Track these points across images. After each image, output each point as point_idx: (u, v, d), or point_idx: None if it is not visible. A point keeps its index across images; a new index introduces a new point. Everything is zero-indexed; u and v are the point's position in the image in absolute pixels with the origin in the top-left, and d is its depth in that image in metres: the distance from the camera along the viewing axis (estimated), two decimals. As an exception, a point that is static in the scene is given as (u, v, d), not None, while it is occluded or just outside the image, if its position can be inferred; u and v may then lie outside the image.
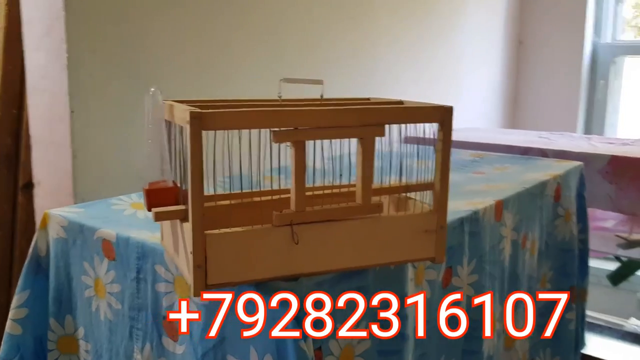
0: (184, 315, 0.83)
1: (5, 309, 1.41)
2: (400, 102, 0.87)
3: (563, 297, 1.49)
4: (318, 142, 0.76)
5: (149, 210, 0.77)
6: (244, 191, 0.77)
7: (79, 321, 1.00)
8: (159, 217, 0.74)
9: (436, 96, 2.41)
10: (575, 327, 1.55)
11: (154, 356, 0.88)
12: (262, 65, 1.59)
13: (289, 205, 0.74)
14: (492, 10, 2.84)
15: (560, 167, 1.55)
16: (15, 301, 1.01)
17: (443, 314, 1.04)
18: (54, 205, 1.28)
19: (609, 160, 1.78)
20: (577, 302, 1.57)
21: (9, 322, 1.01)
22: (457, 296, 1.05)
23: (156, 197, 0.76)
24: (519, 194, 1.27)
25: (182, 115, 0.70)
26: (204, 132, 0.66)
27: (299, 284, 0.73)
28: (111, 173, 1.30)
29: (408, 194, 0.88)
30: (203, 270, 0.69)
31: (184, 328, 0.83)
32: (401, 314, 0.88)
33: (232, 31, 1.52)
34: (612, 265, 2.18)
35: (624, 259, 2.09)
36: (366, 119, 0.73)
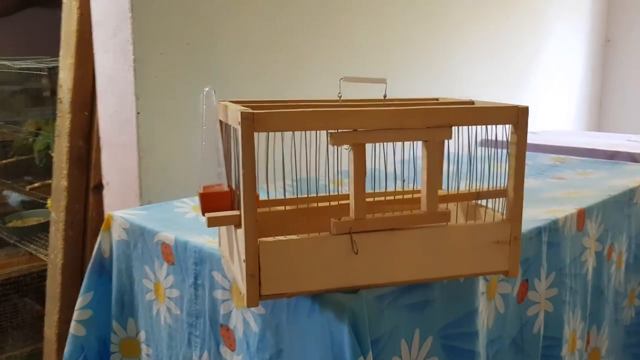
0: (240, 325, 0.80)
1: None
2: (471, 103, 0.81)
3: (654, 315, 1.37)
4: (381, 144, 0.71)
5: (204, 214, 0.75)
6: (300, 196, 0.73)
7: (141, 324, 0.99)
8: (211, 223, 0.71)
9: (514, 98, 2.29)
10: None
11: (211, 364, 0.86)
12: (327, 66, 1.56)
13: (348, 212, 0.69)
14: (577, 7, 2.68)
15: (651, 173, 1.43)
16: (79, 302, 1.01)
17: (518, 330, 0.96)
18: (121, 206, 1.29)
19: None
20: (670, 320, 1.44)
21: (73, 324, 1.01)
22: (534, 311, 0.97)
23: (210, 201, 0.74)
24: (604, 201, 1.17)
25: (234, 115, 0.66)
26: (268, 134, 0.63)
27: (359, 296, 0.69)
28: (176, 175, 1.30)
29: (479, 202, 0.82)
30: (256, 279, 0.65)
31: (240, 337, 0.80)
32: (471, 330, 0.82)
33: (298, 31, 1.49)
34: None
35: None
36: (431, 120, 0.68)
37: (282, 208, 0.76)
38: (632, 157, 1.73)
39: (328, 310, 0.68)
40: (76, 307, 1.02)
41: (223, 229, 0.79)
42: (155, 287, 0.95)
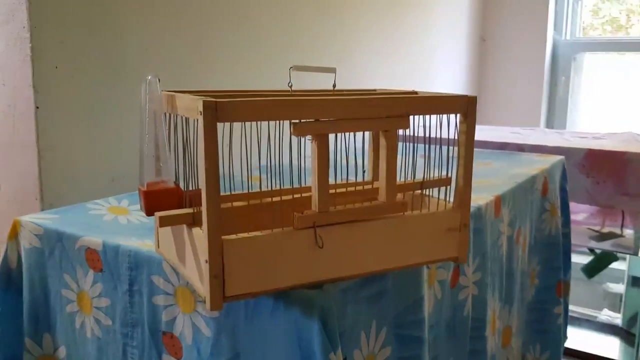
0: (187, 331, 0.75)
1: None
2: (415, 93, 0.81)
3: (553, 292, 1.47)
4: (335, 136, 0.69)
5: (148, 214, 0.69)
6: (253, 191, 0.69)
7: (60, 340, 0.90)
8: (164, 222, 0.65)
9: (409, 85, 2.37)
10: (562, 321, 1.54)
11: (152, 376, 0.80)
12: (239, 55, 1.51)
13: (308, 206, 0.67)
14: (457, 7, 2.83)
15: (544, 161, 1.53)
16: (-17, 320, 0.90)
17: (452, 314, 0.99)
18: (18, 211, 1.17)
19: (585, 154, 1.78)
20: (563, 296, 1.56)
21: (-23, 344, 0.90)
22: (464, 295, 1.01)
23: (156, 199, 0.68)
24: (513, 189, 1.23)
25: (190, 105, 0.62)
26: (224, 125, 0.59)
27: (324, 291, 0.67)
28: (82, 175, 1.20)
29: (424, 191, 0.83)
30: (220, 280, 0.61)
31: (188, 344, 0.75)
32: (419, 317, 0.83)
33: (212, 23, 1.43)
34: (583, 258, 2.19)
35: (597, 251, 2.10)
36: (391, 110, 0.67)
37: (244, 203, 0.72)
38: (520, 148, 1.86)
39: (294, 308, 0.65)
40: (-20, 326, 0.91)
41: (165, 229, 0.74)
42: (79, 297, 0.87)
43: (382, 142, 0.69)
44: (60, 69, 1.14)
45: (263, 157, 0.64)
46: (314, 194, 0.65)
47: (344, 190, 0.77)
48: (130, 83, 1.25)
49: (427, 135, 0.72)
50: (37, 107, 1.12)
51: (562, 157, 1.61)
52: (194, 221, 0.67)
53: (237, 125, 0.61)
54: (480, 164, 1.55)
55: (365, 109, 0.66)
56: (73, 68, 1.16)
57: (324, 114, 0.63)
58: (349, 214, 0.67)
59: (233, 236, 0.62)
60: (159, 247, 0.77)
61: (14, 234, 0.93)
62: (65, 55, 1.14)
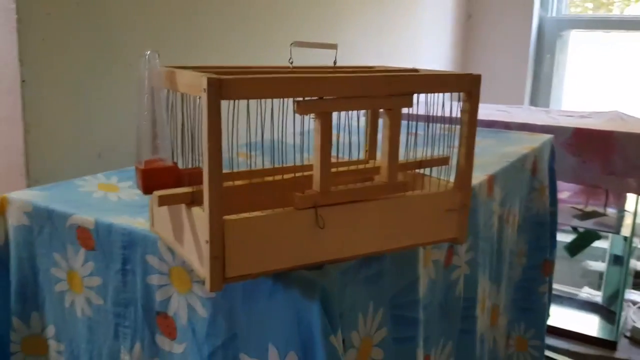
0: (182, 311, 0.74)
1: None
2: (416, 71, 0.80)
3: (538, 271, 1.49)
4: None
5: (146, 193, 0.67)
6: (254, 169, 0.68)
7: (49, 319, 0.89)
8: (163, 202, 0.64)
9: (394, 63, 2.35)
10: (547, 300, 1.56)
11: (145, 356, 0.79)
12: (230, 28, 1.48)
13: (309, 185, 0.66)
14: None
15: (533, 140, 1.54)
16: (-30, 299, 0.88)
17: (444, 294, 0.99)
18: (2, 188, 1.14)
19: (572, 132, 1.79)
20: (548, 274, 1.58)
21: (-36, 324, 0.88)
22: (457, 275, 1.01)
23: (155, 178, 0.66)
24: (504, 168, 1.23)
25: (192, 82, 0.60)
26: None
27: (324, 272, 0.66)
28: (69, 151, 1.17)
29: (422, 170, 0.82)
30: (221, 261, 0.60)
31: (182, 324, 0.74)
32: (414, 298, 0.83)
33: (195, -5, 1.40)
34: (565, 236, 2.21)
35: (580, 230, 2.13)
36: (396, 88, 0.66)
37: (245, 182, 0.71)
38: (507, 126, 1.86)
39: (294, 289, 0.64)
40: (-34, 305, 0.89)
41: (161, 208, 0.72)
42: (69, 277, 0.85)
43: (385, 120, 0.68)
44: (47, 41, 1.10)
45: (258, 134, 0.63)
46: (316, 173, 0.64)
47: (344, 169, 0.76)
48: (119, 57, 1.22)
49: (429, 113, 0.72)
50: (23, 81, 1.08)
51: (551, 135, 1.61)
52: (192, 200, 0.65)
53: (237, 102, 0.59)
54: (470, 142, 1.54)
55: (370, 87, 0.64)
56: (60, 41, 1.12)
57: (328, 91, 0.62)
58: (351, 194, 0.66)
59: (234, 216, 0.61)
60: (153, 225, 0.76)
61: (1, 211, 0.90)
62: (52, 27, 1.10)
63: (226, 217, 0.60)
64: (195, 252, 0.64)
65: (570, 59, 3.02)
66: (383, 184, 0.68)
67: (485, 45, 3.06)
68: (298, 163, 0.75)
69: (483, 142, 1.54)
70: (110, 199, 0.93)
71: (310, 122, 0.63)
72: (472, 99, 0.72)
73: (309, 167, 0.73)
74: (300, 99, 0.61)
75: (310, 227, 0.64)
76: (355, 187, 0.67)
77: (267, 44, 1.60)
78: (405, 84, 0.67)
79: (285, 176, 0.70)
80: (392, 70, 0.79)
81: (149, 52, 0.64)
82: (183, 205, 0.65)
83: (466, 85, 0.71)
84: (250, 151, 0.76)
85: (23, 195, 0.90)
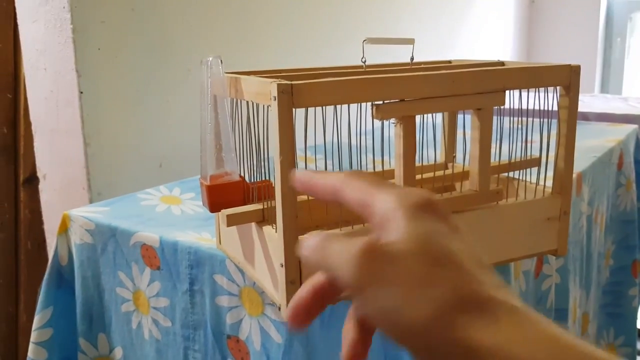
0: (255, 335, 0.68)
1: (14, 321, 1.26)
2: (502, 64, 0.72)
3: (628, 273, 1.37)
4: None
5: (213, 210, 0.62)
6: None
7: (116, 340, 0.85)
8: (232, 221, 0.58)
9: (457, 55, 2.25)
10: (637, 303, 1.43)
11: (217, 382, 0.74)
12: (292, 29, 1.43)
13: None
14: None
15: (617, 131, 1.42)
16: (37, 321, 0.85)
17: (534, 307, 0.90)
18: (64, 201, 1.12)
19: (657, 121, 1.65)
20: (639, 276, 1.45)
21: (31, 347, 0.85)
22: (547, 285, 0.92)
23: (221, 194, 0.61)
24: (593, 164, 1.13)
25: (260, 90, 0.54)
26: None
27: (412, 295, 0.58)
28: (129, 162, 1.14)
29: (510, 174, 0.74)
30: (297, 286, 0.54)
31: (256, 350, 0.68)
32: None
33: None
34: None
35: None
36: (485, 85, 0.58)
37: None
38: (585, 116, 1.73)
39: (379, 314, 0.57)
40: (33, 327, 0.86)
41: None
42: (135, 297, 0.81)
43: (474, 121, 0.60)
44: (103, 50, 1.07)
45: (324, 136, 0.56)
46: (400, 182, 0.57)
47: (423, 175, 0.69)
48: (176, 63, 1.18)
49: (521, 108, 0.63)
50: (81, 92, 1.06)
51: (635, 126, 1.49)
52: (263, 218, 0.60)
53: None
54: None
55: (457, 85, 0.57)
56: (116, 49, 1.09)
57: (411, 92, 0.55)
58: (439, 207, 0.59)
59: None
60: (220, 243, 0.71)
61: (64, 229, 0.87)
62: (107, 35, 1.07)
63: (302, 236, 0.54)
64: (268, 275, 0.58)
65: (644, 41, 2.83)
66: (475, 193, 0.61)
67: (551, 30, 2.90)
68: (358, 165, 0.68)
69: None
70: (174, 213, 0.89)
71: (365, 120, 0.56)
72: (571, 93, 0.64)
73: (387, 174, 0.66)
74: (380, 102, 0.54)
75: (395, 244, 0.57)
76: (442, 198, 0.60)
77: (327, 43, 1.53)
78: (497, 79, 0.59)
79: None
80: (477, 65, 0.71)
81: (211, 58, 0.59)
82: (253, 224, 0.60)
83: (564, 78, 0.63)
84: (311, 153, 0.70)
85: (85, 212, 0.86)
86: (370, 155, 0.58)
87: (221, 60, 0.59)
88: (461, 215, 0.61)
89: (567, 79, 0.63)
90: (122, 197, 0.95)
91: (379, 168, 0.64)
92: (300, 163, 0.60)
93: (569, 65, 0.63)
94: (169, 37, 1.16)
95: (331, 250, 0.28)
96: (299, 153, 0.63)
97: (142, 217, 0.85)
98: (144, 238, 0.77)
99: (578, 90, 0.64)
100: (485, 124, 0.60)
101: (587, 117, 1.72)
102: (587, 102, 1.96)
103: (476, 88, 0.58)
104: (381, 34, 1.77)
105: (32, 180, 1.22)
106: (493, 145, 0.62)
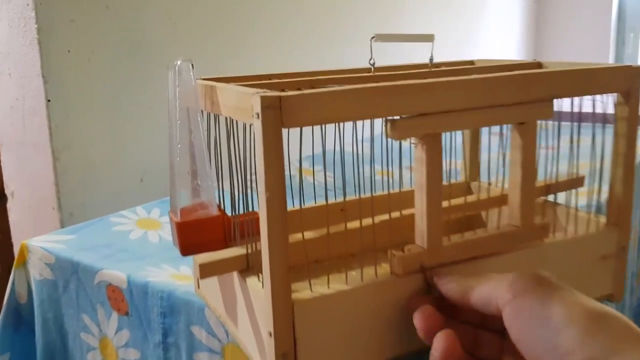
0: (242, 402, 0.55)
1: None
2: (539, 65, 0.59)
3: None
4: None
5: (185, 253, 0.49)
6: (328, 204, 0.49)
7: (82, 393, 0.72)
8: (207, 272, 0.46)
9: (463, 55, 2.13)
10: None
11: None
12: (281, 29, 1.30)
13: (399, 232, 0.46)
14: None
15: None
16: (-10, 370, 0.73)
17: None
18: (34, 222, 0.99)
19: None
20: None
21: (-17, 401, 0.73)
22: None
23: (195, 233, 0.48)
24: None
25: (239, 103, 0.41)
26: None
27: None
28: (106, 177, 1.01)
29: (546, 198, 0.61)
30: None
31: (243, 419, 0.56)
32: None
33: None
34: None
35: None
36: (529, 92, 0.46)
37: (315, 235, 0.52)
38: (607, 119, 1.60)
39: (397, 389, 0.45)
40: (-14, 377, 0.74)
41: (207, 266, 0.54)
42: (102, 345, 0.69)
43: (515, 138, 0.47)
44: (73, 52, 0.95)
45: (324, 146, 0.44)
46: (421, 220, 0.45)
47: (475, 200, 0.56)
48: (158, 65, 1.05)
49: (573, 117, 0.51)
50: (49, 100, 0.93)
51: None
52: (248, 265, 0.47)
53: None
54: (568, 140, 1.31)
55: (495, 93, 0.44)
56: (89, 51, 0.96)
57: (435, 103, 0.42)
58: (473, 248, 0.46)
59: (308, 294, 0.42)
60: (199, 287, 0.58)
61: (22, 261, 0.75)
62: (78, 36, 0.95)
63: (296, 296, 0.41)
64: (254, 341, 0.45)
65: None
66: (516, 230, 0.48)
67: (559, 27, 2.78)
68: (362, 177, 0.55)
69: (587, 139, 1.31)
70: (151, 241, 0.76)
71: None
72: (631, 100, 0.51)
73: (399, 199, 0.53)
74: (396, 117, 0.42)
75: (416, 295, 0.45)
76: (475, 236, 0.47)
77: (328, 43, 1.41)
78: (543, 86, 0.46)
79: (378, 218, 0.50)
80: (511, 66, 0.58)
81: (179, 61, 0.46)
82: (235, 274, 0.47)
83: (624, 83, 0.50)
84: (309, 165, 0.58)
85: (45, 242, 0.74)
86: (377, 166, 0.46)
87: (192, 65, 0.46)
88: (500, 257, 0.48)
89: (628, 84, 0.50)
90: (92, 221, 0.83)
91: (384, 179, 0.51)
92: (296, 176, 0.48)
93: (629, 66, 0.50)
94: (148, 36, 1.04)
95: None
96: (294, 164, 0.51)
97: (111, 248, 0.73)
98: (110, 277, 0.65)
99: (638, 97, 0.51)
100: (529, 142, 0.47)
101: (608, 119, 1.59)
102: (608, 102, 1.83)
103: (518, 97, 0.45)
104: (380, 30, 1.64)
105: (1, 198, 1.10)
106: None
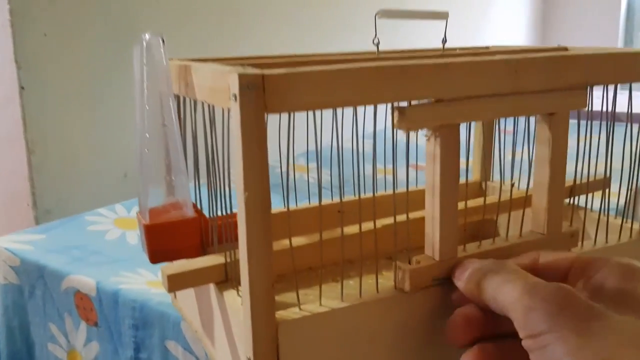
0: None
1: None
2: (565, 49, 0.52)
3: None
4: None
5: (155, 261, 0.42)
6: (322, 205, 0.42)
7: (48, 410, 0.65)
8: (176, 284, 0.39)
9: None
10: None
11: None
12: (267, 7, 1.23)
13: (405, 239, 0.39)
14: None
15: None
16: (-53, 384, 0.66)
17: None
18: (6, 221, 0.92)
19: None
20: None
21: (-62, 418, 0.66)
22: None
23: (166, 237, 0.41)
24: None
25: (214, 83, 0.34)
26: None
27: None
28: (85, 172, 0.94)
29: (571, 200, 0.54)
30: (275, 391, 0.34)
31: None
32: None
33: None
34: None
35: None
36: (561, 79, 0.39)
37: (306, 241, 0.45)
38: (619, 116, 1.54)
39: None
40: (-57, 390, 0.67)
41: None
42: (70, 357, 0.62)
43: (544, 132, 0.41)
44: (50, 36, 0.88)
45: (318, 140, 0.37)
46: (433, 228, 0.38)
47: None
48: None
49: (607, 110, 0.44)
50: (22, 88, 0.86)
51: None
52: (226, 277, 0.40)
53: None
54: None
55: (521, 78, 0.37)
56: (67, 35, 0.89)
57: (451, 88, 0.35)
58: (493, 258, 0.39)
59: (295, 312, 0.35)
60: (175, 298, 0.51)
61: (-14, 264, 0.68)
62: (56, 18, 0.88)
63: (281, 314, 0.34)
64: (232, 365, 0.38)
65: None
66: (542, 238, 0.41)
67: (566, 24, 2.71)
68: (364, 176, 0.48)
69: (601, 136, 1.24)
70: (128, 242, 0.69)
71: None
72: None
73: (404, 200, 0.46)
74: (403, 104, 0.35)
75: (426, 315, 0.38)
76: (494, 246, 0.40)
77: (314, 28, 1.34)
78: (577, 71, 0.39)
79: (380, 222, 0.43)
80: (532, 50, 0.52)
81: (147, 35, 0.39)
82: (212, 286, 0.40)
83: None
84: (303, 161, 0.51)
85: (11, 242, 0.67)
86: (380, 165, 0.39)
87: (163, 40, 0.39)
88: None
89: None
90: (65, 220, 0.76)
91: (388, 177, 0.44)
92: (290, 173, 0.41)
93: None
94: (133, 18, 0.97)
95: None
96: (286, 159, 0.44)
97: (84, 250, 0.66)
98: (78, 283, 0.58)
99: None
100: (560, 137, 0.40)
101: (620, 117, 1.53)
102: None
103: (549, 83, 0.38)
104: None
105: (-25, 192, 1.03)
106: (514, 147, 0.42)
